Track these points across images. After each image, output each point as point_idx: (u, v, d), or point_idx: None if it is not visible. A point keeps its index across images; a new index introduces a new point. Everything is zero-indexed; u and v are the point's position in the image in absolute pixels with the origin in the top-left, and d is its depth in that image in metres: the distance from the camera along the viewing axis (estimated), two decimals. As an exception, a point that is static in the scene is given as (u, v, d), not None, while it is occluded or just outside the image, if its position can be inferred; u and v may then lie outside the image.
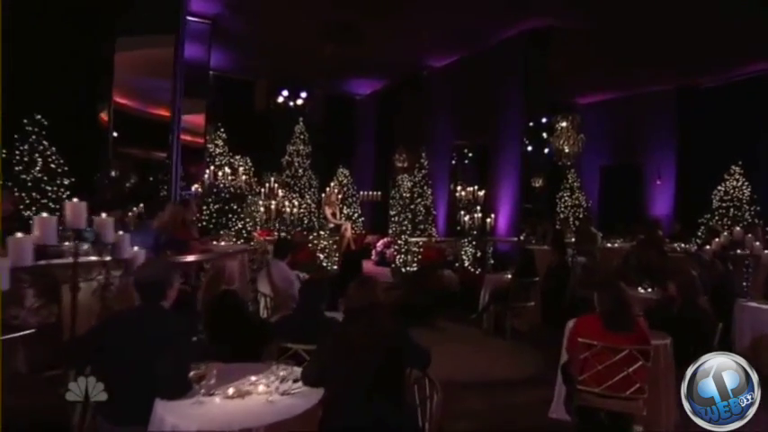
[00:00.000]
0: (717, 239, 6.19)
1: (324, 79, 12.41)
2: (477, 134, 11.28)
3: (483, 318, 6.67)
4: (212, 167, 6.90)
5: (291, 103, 12.32)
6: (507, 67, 9.88)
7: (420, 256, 8.26)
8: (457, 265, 8.55)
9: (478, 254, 8.60)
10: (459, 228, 9.44)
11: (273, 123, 12.27)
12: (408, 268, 8.12)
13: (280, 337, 2.92)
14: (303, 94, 12.36)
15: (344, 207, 12.18)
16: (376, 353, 2.24)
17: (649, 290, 5.58)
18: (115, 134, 8.11)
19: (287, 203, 11.23)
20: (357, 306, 2.46)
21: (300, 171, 11.48)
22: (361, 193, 12.38)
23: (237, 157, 11.39)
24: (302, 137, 11.61)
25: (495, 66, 10.10)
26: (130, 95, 6.56)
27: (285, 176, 11.33)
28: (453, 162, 12.09)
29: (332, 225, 9.36)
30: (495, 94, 10.17)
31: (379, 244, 10.38)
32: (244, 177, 7.12)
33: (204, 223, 7.49)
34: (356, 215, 12.25)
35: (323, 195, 10.57)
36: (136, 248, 3.28)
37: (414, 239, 8.42)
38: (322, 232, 7.50)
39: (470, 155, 12.87)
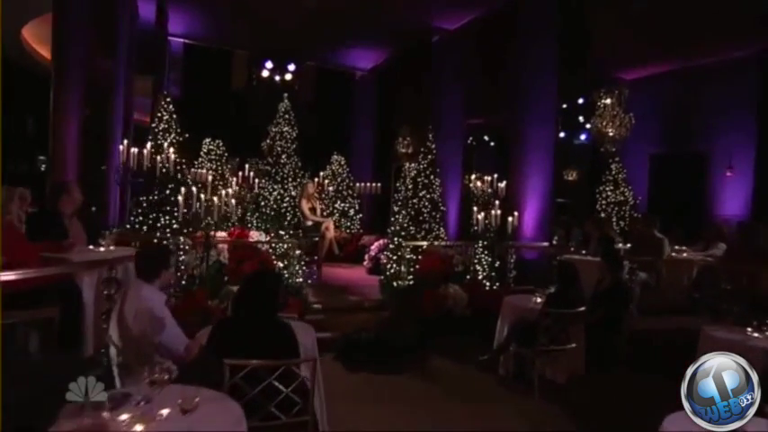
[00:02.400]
0: None
1: (315, 49, 10.49)
2: (497, 112, 9.11)
3: (500, 360, 4.62)
4: (125, 143, 5.07)
5: (277, 78, 10.45)
6: (537, 29, 7.73)
7: (418, 266, 6.24)
8: (468, 278, 6.49)
9: (497, 263, 6.52)
10: (473, 228, 7.40)
11: (254, 101, 10.46)
12: (401, 281, 6.12)
13: None
14: (291, 67, 10.48)
15: (338, 201, 10.29)
16: None
17: (768, 333, 3.45)
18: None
19: (266, 195, 9.45)
20: None
21: (284, 157, 9.65)
22: (358, 184, 10.43)
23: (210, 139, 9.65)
24: (287, 116, 9.79)
25: (520, 27, 7.96)
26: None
27: (265, 163, 9.54)
28: (468, 147, 9.96)
29: (310, 223, 7.43)
30: (521, 63, 8.02)
31: (374, 247, 8.40)
32: (172, 158, 5.22)
33: (140, 219, 5.73)
34: (352, 211, 10.33)
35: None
36: None
37: (411, 243, 6.40)
38: (282, 232, 5.58)
39: (489, 138, 10.67)
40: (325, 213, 10.03)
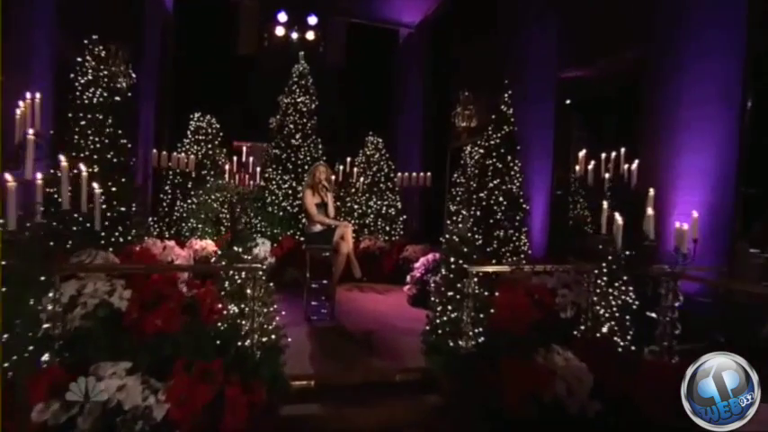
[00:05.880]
0: None
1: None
2: (615, 57, 5.94)
3: None
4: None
5: (295, 35, 7.99)
6: None
7: (492, 309, 3.41)
8: (582, 329, 3.56)
9: (631, 301, 3.56)
10: (576, 236, 4.56)
11: (264, 66, 8.06)
12: (460, 341, 3.31)
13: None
14: (313, 21, 7.96)
15: (374, 197, 7.66)
16: None
17: None
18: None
19: (274, 189, 7.08)
20: None
21: (298, 137, 7.21)
22: (401, 174, 7.73)
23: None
24: (304, 82, 7.36)
25: None
26: None
27: (272, 147, 7.15)
28: (564, 114, 6.84)
29: (318, 227, 4.80)
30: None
31: (419, 264, 5.68)
32: (38, 114, 2.81)
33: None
34: (392, 211, 7.65)
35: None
36: None
37: (481, 268, 3.56)
38: (237, 248, 2.91)
39: (597, 99, 7.42)
40: (355, 215, 7.45)
